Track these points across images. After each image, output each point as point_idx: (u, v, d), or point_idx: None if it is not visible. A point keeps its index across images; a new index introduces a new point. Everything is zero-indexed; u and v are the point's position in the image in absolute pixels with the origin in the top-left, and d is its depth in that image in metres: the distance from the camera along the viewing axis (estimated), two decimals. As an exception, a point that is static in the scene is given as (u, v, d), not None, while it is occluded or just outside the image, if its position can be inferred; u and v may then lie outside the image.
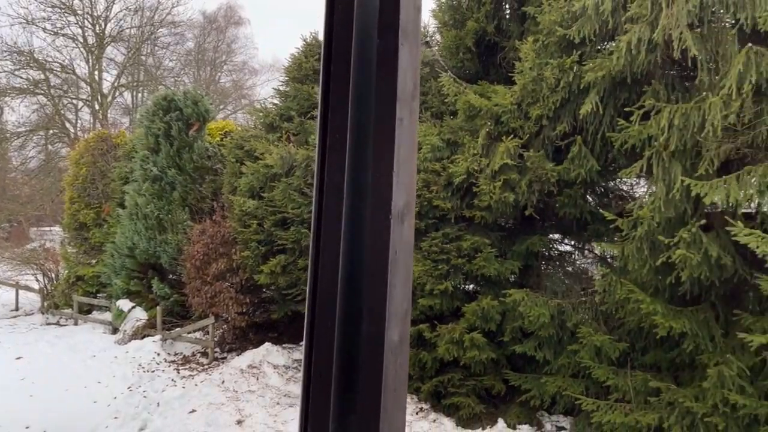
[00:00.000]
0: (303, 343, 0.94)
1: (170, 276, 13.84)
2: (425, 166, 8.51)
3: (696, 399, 5.96)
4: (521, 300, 7.43)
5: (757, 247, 5.07)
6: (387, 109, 0.92)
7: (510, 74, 8.37)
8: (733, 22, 5.88)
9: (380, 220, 0.91)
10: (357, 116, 0.93)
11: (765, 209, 5.76)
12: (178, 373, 10.84)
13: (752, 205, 5.79)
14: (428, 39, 10.70)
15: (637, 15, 6.25)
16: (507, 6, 9.67)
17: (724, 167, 5.94)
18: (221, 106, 33.90)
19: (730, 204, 5.51)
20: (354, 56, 0.93)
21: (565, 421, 8.02)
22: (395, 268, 0.91)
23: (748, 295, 6.19)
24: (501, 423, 8.09)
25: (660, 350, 6.77)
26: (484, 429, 8.07)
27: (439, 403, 8.54)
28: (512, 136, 7.87)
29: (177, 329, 12.46)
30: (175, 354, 11.93)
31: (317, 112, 1.00)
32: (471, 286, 8.93)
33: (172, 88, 24.30)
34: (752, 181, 5.40)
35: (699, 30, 6.03)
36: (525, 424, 8.04)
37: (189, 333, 12.23)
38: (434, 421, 8.35)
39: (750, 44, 5.33)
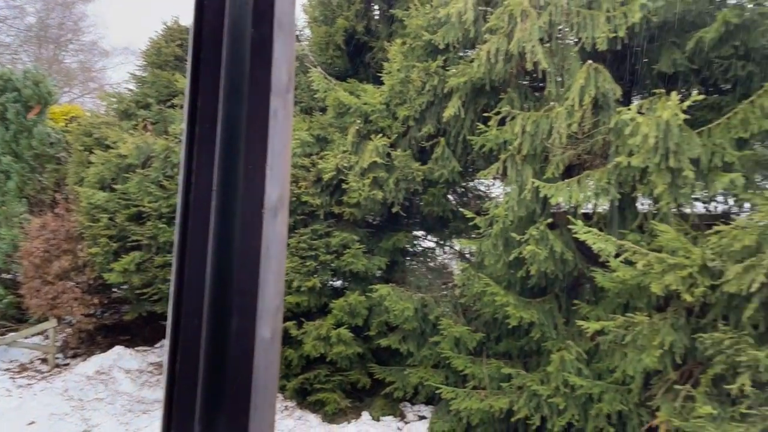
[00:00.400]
0: (165, 341, 0.89)
1: (3, 275, 12.37)
2: (294, 162, 8.42)
3: (541, 382, 6.52)
4: (387, 295, 7.63)
5: (594, 244, 5.67)
6: (261, 101, 0.90)
7: (378, 74, 8.56)
8: (576, 40, 6.51)
9: (252, 214, 0.88)
10: (228, 107, 0.90)
11: (600, 210, 6.46)
12: (14, 382, 9.74)
13: (589, 205, 6.47)
14: (298, 33, 10.60)
15: (495, 27, 6.68)
16: (376, 7, 9.88)
17: (568, 171, 6.56)
18: (66, 89, 30.67)
19: (572, 204, 6.11)
20: (226, 45, 0.90)
21: (426, 411, 8.38)
22: (267, 264, 0.90)
23: (585, 287, 6.91)
24: (366, 416, 8.26)
25: (512, 339, 7.32)
26: (349, 423, 8.18)
27: (305, 400, 8.51)
28: (381, 135, 8.06)
29: (12, 334, 11.14)
30: (10, 361, 10.68)
31: (183, 101, 0.95)
32: (339, 282, 9.00)
33: (9, 66, 21.62)
34: (590, 184, 6.04)
35: (548, 45, 6.60)
36: (389, 415, 8.27)
37: (26, 338, 10.99)
38: (300, 418, 8.32)
39: (590, 61, 5.94)
